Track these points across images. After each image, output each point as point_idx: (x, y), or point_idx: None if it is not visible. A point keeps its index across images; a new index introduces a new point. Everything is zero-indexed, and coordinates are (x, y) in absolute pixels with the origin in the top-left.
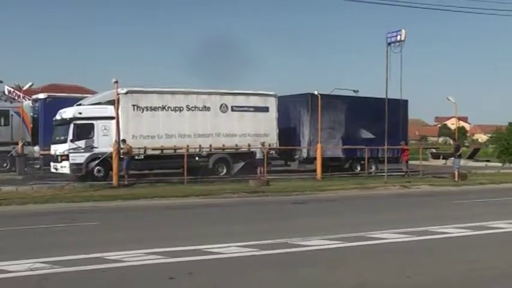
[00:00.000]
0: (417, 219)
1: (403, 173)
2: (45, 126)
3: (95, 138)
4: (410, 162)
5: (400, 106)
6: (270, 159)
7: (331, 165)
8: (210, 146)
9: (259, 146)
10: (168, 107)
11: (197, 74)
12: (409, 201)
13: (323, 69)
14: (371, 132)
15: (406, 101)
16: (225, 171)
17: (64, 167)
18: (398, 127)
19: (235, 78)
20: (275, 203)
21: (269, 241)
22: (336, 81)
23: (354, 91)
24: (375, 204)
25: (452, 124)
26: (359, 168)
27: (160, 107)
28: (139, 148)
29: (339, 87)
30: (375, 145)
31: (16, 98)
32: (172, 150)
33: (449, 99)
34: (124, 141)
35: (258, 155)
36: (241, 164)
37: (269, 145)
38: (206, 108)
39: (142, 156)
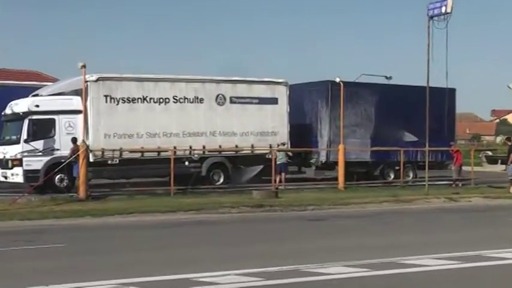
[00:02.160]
0: (465, 241)
1: (449, 182)
2: None
3: (56, 137)
4: None
5: (445, 96)
6: (279, 164)
7: (357, 172)
8: (204, 147)
9: (279, 147)
10: (150, 99)
11: (197, 64)
12: (455, 218)
13: (346, 51)
14: (411, 132)
15: (454, 89)
16: (222, 179)
17: (16, 175)
18: (443, 123)
19: (241, 67)
20: (285, 219)
21: (276, 268)
22: (363, 66)
23: (387, 78)
24: (412, 222)
25: None
26: (392, 176)
27: (140, 98)
28: (113, 150)
29: (367, 72)
30: (412, 146)
31: None
32: (156, 153)
33: (510, 88)
34: (75, 140)
35: (281, 159)
36: (257, 168)
37: (278, 146)
38: (198, 100)
39: (117, 161)
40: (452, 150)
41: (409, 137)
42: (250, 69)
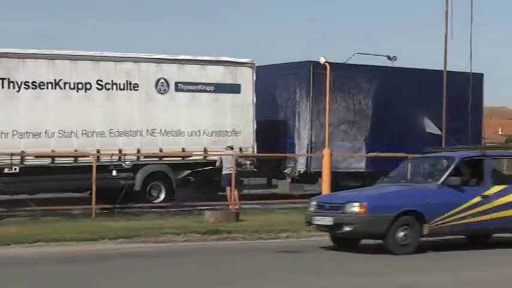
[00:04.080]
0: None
1: None
2: None
3: None
4: None
5: (469, 84)
6: (241, 175)
7: (348, 187)
8: (138, 151)
9: (226, 151)
10: (65, 83)
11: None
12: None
13: (334, 20)
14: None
15: (481, 75)
16: (163, 195)
17: None
18: (466, 120)
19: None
20: (249, 251)
21: None
22: (358, 43)
23: (390, 58)
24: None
25: None
26: None
27: (51, 82)
28: (11, 155)
29: (363, 51)
30: (420, 151)
31: None
32: (72, 159)
33: None
34: None
35: (226, 168)
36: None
37: (240, 150)
38: (132, 86)
39: (17, 169)
40: None
41: (431, 127)
42: (202, 45)
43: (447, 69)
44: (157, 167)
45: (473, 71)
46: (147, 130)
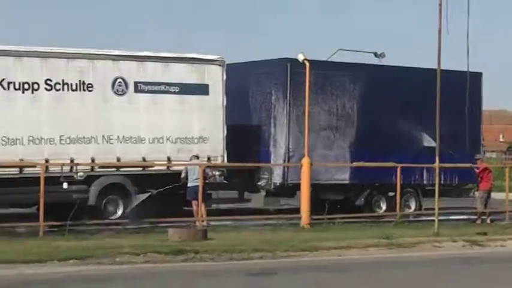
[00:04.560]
0: None
1: (472, 217)
2: None
3: None
4: None
5: (466, 84)
6: (210, 188)
7: (331, 201)
8: (93, 160)
9: (192, 160)
10: (9, 83)
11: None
12: (482, 273)
13: (315, 14)
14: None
15: (479, 74)
16: (120, 210)
17: None
18: (462, 125)
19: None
20: (218, 273)
21: None
22: (341, 38)
23: (377, 55)
24: (415, 279)
25: None
26: (384, 207)
27: None
28: None
29: (347, 47)
30: (413, 160)
31: None
32: (17, 170)
33: None
34: None
35: (192, 180)
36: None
37: (209, 159)
38: (85, 87)
39: None
40: (478, 168)
41: (427, 141)
42: (164, 41)
43: (441, 68)
44: (114, 179)
45: (471, 70)
46: (103, 136)
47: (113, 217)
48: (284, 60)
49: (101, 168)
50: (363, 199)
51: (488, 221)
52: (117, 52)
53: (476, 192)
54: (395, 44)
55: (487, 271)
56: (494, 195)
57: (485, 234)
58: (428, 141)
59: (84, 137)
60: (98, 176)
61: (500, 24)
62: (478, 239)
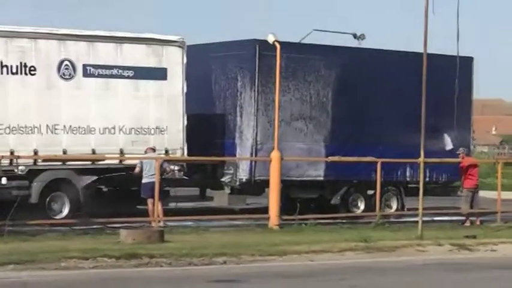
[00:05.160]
0: None
1: (460, 218)
2: None
3: None
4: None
5: (455, 70)
6: (167, 185)
7: (303, 199)
8: (36, 153)
9: (148, 153)
10: None
11: None
12: (469, 282)
13: None
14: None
15: (470, 59)
16: (67, 208)
17: None
18: (451, 115)
19: None
20: (175, 280)
21: None
22: (316, 18)
23: (356, 37)
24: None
25: None
26: (362, 207)
27: None
28: None
29: (322, 28)
30: (395, 154)
31: None
32: None
33: None
34: None
35: (147, 175)
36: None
37: (166, 152)
38: (27, 70)
39: None
40: (461, 162)
41: (447, 143)
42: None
43: (428, 52)
44: (59, 173)
45: (460, 55)
46: (47, 126)
47: (58, 216)
48: (252, 41)
49: (45, 162)
50: (338, 198)
51: (477, 222)
52: (63, 31)
53: (462, 190)
54: (377, 24)
55: (475, 280)
56: (486, 194)
57: (474, 237)
58: (449, 145)
59: (25, 127)
60: (42, 171)
61: (497, 4)
62: (466, 242)
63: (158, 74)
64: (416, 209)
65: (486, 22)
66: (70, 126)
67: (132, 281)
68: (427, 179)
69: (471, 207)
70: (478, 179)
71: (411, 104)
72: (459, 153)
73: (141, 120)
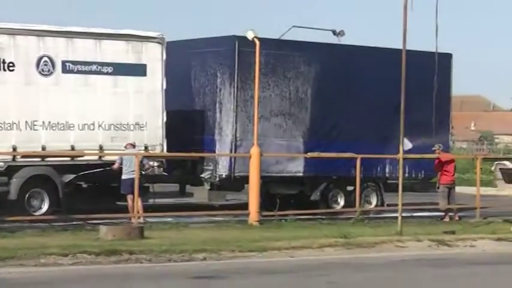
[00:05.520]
0: None
1: (439, 214)
2: None
3: None
4: (456, 188)
5: (434, 66)
6: (147, 181)
7: (282, 195)
8: (14, 149)
9: (127, 149)
10: None
11: None
12: (448, 277)
13: None
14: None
15: (449, 55)
16: (46, 205)
17: None
18: (429, 111)
19: None
20: (156, 277)
21: None
22: (296, 14)
23: (335, 34)
24: (373, 284)
25: None
26: (342, 203)
27: None
28: None
29: (302, 24)
30: (374, 150)
31: None
32: None
33: None
34: None
35: (127, 171)
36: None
37: (146, 149)
38: (6, 66)
39: None
40: (438, 158)
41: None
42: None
43: (407, 48)
44: (38, 170)
45: (439, 51)
46: (26, 122)
47: (37, 213)
48: (231, 37)
49: (24, 158)
50: (318, 194)
51: (456, 218)
52: (42, 27)
53: (439, 186)
54: (357, 21)
55: (454, 275)
56: (465, 189)
57: (453, 233)
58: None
59: (4, 123)
60: (21, 167)
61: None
62: (445, 238)
63: (137, 70)
64: (396, 205)
65: (465, 19)
66: (49, 122)
67: (111, 277)
68: (406, 175)
69: (449, 203)
70: (454, 175)
71: (390, 100)
72: (435, 150)
73: (121, 117)
